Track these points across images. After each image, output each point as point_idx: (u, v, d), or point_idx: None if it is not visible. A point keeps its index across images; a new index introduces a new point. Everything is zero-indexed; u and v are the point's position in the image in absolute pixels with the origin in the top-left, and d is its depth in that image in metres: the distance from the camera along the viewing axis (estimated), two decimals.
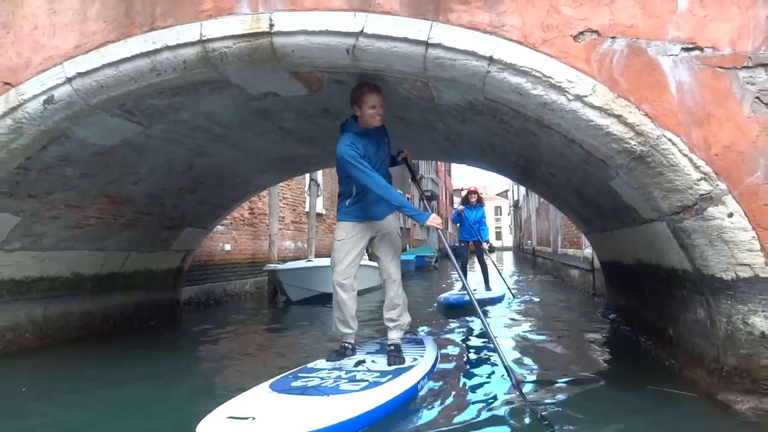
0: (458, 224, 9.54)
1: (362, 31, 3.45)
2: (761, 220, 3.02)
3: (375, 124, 3.73)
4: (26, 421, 3.26)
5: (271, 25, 3.56)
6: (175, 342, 6.14)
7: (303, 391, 2.98)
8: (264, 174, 6.97)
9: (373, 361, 3.70)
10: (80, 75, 3.82)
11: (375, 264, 4.17)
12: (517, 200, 32.53)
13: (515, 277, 15.49)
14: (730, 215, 3.06)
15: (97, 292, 6.14)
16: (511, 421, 3.03)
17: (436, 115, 4.54)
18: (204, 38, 3.64)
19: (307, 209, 13.28)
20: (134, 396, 3.71)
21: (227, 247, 10.28)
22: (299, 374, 3.39)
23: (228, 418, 2.54)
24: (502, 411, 3.20)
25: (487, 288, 9.24)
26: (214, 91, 4.21)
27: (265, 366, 4.66)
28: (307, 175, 12.51)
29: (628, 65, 3.19)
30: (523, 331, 6.23)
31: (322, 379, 3.26)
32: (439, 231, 3.88)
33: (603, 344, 5.46)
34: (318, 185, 12.83)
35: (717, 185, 3.07)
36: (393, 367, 3.53)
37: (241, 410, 2.65)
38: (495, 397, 3.48)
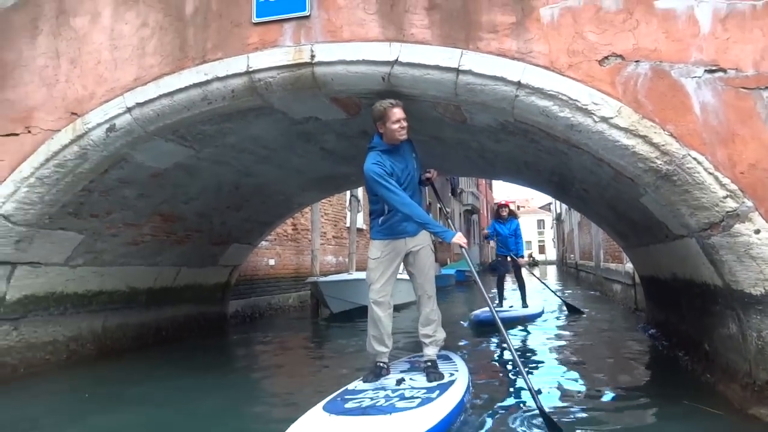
0: (495, 239, 9.31)
1: (397, 60, 3.68)
2: None
3: (401, 138, 3.69)
4: (87, 425, 3.55)
5: (313, 56, 3.83)
6: (222, 355, 6.45)
7: (363, 411, 2.95)
8: (306, 192, 7.27)
9: (411, 379, 3.65)
10: (139, 105, 4.16)
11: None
12: (560, 213, 32.12)
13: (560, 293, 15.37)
14: (758, 232, 3.12)
15: (151, 305, 6.51)
16: None
17: (470, 134, 4.71)
18: (251, 69, 3.93)
19: (348, 224, 13.56)
20: (182, 411, 3.89)
21: (271, 262, 10.62)
22: (346, 396, 3.34)
23: None
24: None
25: (524, 305, 8.94)
26: (259, 117, 4.50)
27: (309, 380, 4.89)
28: (348, 192, 12.80)
29: (652, 87, 3.30)
30: (562, 346, 6.28)
31: (372, 399, 3.22)
32: (464, 250, 3.79)
33: (641, 359, 5.48)
34: (358, 201, 13.10)
35: (743, 202, 3.15)
36: (435, 383, 3.51)
37: None
38: (521, 422, 3.44)
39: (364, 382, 3.65)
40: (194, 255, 6.89)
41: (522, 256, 9.15)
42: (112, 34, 4.29)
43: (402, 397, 3.20)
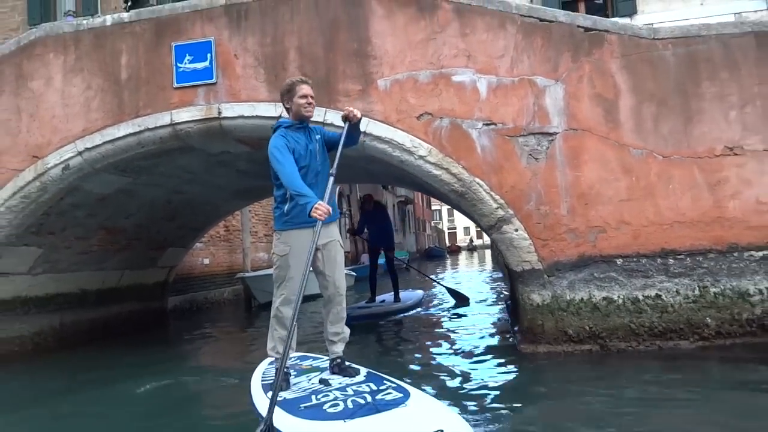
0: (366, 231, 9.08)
1: (280, 116, 5.12)
2: (534, 232, 4.75)
3: (307, 114, 3.53)
4: (53, 403, 4.65)
5: (219, 113, 5.25)
6: (161, 344, 7.73)
7: (377, 408, 2.73)
8: (229, 202, 8.63)
9: (330, 379, 3.39)
10: (87, 150, 5.45)
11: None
12: None
13: (479, 273, 17.25)
14: (516, 230, 4.78)
15: (100, 304, 7.72)
16: None
17: (350, 159, 6.20)
18: (173, 122, 5.30)
19: None
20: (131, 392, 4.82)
21: (206, 261, 11.87)
22: (301, 404, 2.96)
23: None
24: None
25: (396, 299, 8.66)
26: (183, 153, 5.86)
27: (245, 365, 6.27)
28: None
29: (451, 135, 4.89)
30: (435, 327, 7.70)
31: (341, 399, 2.94)
32: (319, 224, 3.15)
33: (494, 326, 7.12)
34: None
35: (508, 211, 4.79)
36: (362, 377, 3.38)
37: None
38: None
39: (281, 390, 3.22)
40: (135, 259, 8.13)
41: (392, 248, 8.81)
42: (63, 95, 5.54)
43: (370, 393, 3.01)
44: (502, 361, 4.78)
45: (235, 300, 12.71)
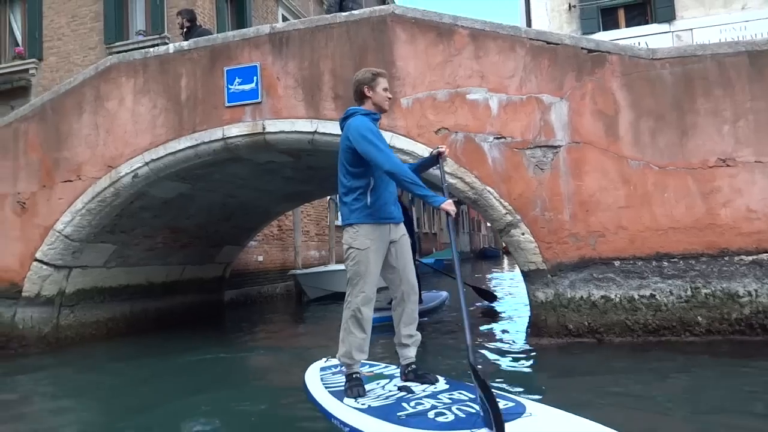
0: None
1: (316, 131, 5.83)
2: (539, 236, 5.23)
3: (385, 107, 3.58)
4: (128, 376, 5.71)
5: (264, 128, 5.99)
6: (218, 330, 8.63)
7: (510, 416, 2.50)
8: (278, 204, 9.45)
9: (410, 385, 3.22)
10: (153, 161, 6.31)
11: None
12: None
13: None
14: (523, 234, 5.28)
15: (164, 295, 8.67)
16: None
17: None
18: (225, 137, 6.09)
19: (328, 223, 15.71)
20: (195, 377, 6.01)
21: (260, 258, 12.79)
22: (399, 411, 2.78)
23: None
24: None
25: (419, 301, 8.96)
26: (234, 162, 6.66)
27: (293, 347, 7.01)
28: (328, 196, 14.89)
29: (465, 148, 5.44)
30: (452, 327, 8.31)
31: (442, 408, 2.76)
32: (449, 220, 3.20)
33: (512, 322, 7.58)
34: (336, 203, 15.22)
35: (516, 217, 5.30)
36: (446, 384, 3.21)
37: None
38: None
39: (355, 398, 3.09)
40: (196, 255, 9.05)
41: (415, 250, 8.75)
42: (134, 113, 6.43)
43: (475, 402, 2.79)
44: (508, 353, 5.29)
45: (287, 295, 13.61)
